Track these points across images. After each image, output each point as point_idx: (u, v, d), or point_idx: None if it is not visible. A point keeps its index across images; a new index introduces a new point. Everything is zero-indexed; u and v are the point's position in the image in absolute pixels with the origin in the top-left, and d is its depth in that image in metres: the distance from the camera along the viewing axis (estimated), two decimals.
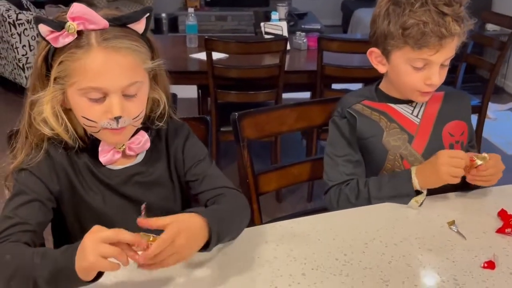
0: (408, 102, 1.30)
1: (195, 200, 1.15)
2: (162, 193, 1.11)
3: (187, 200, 1.17)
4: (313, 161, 1.47)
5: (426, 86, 1.22)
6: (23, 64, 4.00)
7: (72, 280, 0.79)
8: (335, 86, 2.91)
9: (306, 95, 3.37)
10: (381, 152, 1.27)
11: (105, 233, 0.78)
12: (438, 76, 1.20)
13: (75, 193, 1.03)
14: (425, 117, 1.29)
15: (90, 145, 1.03)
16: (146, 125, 1.06)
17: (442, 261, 0.97)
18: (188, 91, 2.80)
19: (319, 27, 4.08)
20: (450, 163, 1.13)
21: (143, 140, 1.05)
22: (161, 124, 1.07)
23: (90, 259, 0.76)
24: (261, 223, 1.38)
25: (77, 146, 1.00)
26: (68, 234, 1.08)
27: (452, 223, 1.08)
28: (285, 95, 2.65)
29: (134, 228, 0.83)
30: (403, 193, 1.18)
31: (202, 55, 2.63)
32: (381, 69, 1.29)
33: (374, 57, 1.29)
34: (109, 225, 0.82)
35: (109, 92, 0.93)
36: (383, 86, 1.34)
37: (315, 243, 1.04)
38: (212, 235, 0.89)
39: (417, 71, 1.21)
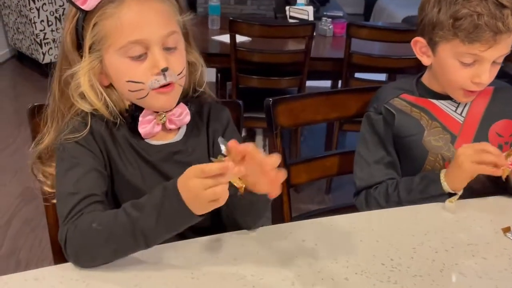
0: (452, 98, 1.20)
1: None
2: None
3: None
4: (346, 154, 1.38)
5: (473, 84, 1.11)
6: (40, 40, 3.92)
7: (184, 217, 0.79)
8: (358, 75, 2.81)
9: (326, 83, 3.27)
10: (421, 153, 1.17)
11: (204, 167, 0.76)
12: (488, 75, 1.10)
13: (115, 167, 0.98)
14: (470, 115, 1.19)
15: (130, 119, 0.97)
16: (186, 99, 1.01)
17: (500, 272, 0.88)
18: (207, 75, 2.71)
19: (341, 14, 3.94)
20: (473, 159, 1.03)
21: (184, 112, 1.00)
22: (201, 90, 1.03)
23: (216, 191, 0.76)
24: (291, 216, 1.30)
25: (118, 121, 0.96)
26: None
27: (507, 229, 0.98)
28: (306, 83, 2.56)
29: None
30: (434, 195, 1.10)
31: (225, 38, 2.54)
32: (426, 61, 1.19)
33: (418, 47, 1.18)
34: None
35: (150, 44, 0.89)
36: (425, 79, 1.24)
37: (357, 244, 0.95)
38: None
39: (465, 67, 1.10)
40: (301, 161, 1.34)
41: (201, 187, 0.75)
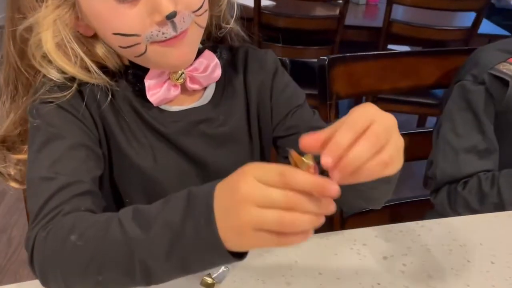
0: None
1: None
2: (237, 154, 0.74)
3: None
4: (417, 135, 1.08)
5: None
6: None
7: (213, 251, 0.46)
8: (391, 47, 2.49)
9: None
10: None
11: (288, 170, 0.43)
12: None
13: (115, 144, 0.68)
14: None
15: (132, 79, 0.67)
16: (213, 44, 0.72)
17: None
18: None
19: None
20: None
21: (212, 64, 0.69)
22: (228, 27, 0.71)
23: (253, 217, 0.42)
24: None
25: (111, 86, 0.66)
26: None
27: None
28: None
29: None
30: None
31: (247, 0, 2.21)
32: None
33: None
34: (159, 194, 0.56)
35: None
36: None
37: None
38: None
39: None
40: None
41: (265, 201, 0.42)
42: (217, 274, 0.62)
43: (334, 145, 0.44)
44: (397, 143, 0.47)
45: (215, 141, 0.72)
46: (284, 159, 0.78)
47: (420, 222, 0.74)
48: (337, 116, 0.96)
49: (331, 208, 0.43)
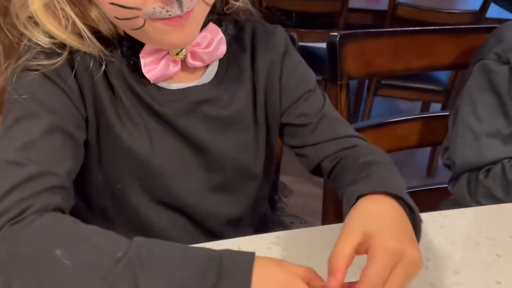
0: None
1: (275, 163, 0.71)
2: (241, 139, 0.67)
3: (270, 159, 0.72)
4: (429, 120, 1.01)
5: None
6: None
7: None
8: None
9: None
10: None
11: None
12: None
13: (106, 125, 0.61)
14: None
15: (130, 51, 0.60)
16: (218, 18, 0.65)
17: None
18: None
19: None
20: None
21: (216, 40, 0.62)
22: (237, 3, 0.65)
23: None
24: None
25: (103, 57, 0.59)
26: (84, 198, 0.67)
27: None
28: None
29: (196, 191, 0.64)
30: None
31: None
32: None
33: None
34: (156, 181, 0.59)
35: None
36: None
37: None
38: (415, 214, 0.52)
39: None
40: (366, 127, 0.97)
41: None
42: None
43: None
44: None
45: (218, 124, 0.65)
46: (291, 149, 0.72)
47: (443, 212, 0.68)
48: (348, 98, 0.89)
49: None
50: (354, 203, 0.51)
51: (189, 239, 0.62)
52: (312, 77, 0.71)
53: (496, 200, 0.80)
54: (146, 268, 0.43)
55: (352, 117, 2.44)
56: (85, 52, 0.58)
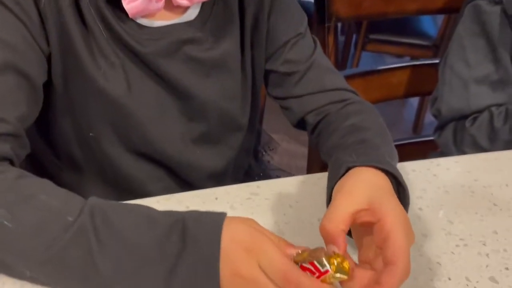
0: None
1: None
2: (227, 85, 0.61)
3: (256, 109, 0.67)
4: (419, 68, 0.96)
5: None
6: None
7: None
8: None
9: None
10: None
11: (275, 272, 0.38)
12: None
13: (76, 64, 0.54)
14: None
15: None
16: None
17: None
18: None
19: None
20: None
21: None
22: None
23: None
24: None
25: None
26: (50, 147, 0.62)
27: None
28: None
29: (177, 141, 0.59)
30: None
31: None
32: None
33: None
34: (133, 128, 0.55)
35: None
36: None
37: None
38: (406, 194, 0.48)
39: None
40: (356, 74, 0.91)
41: None
42: None
43: None
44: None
45: (202, 68, 0.59)
46: (275, 100, 0.66)
47: (435, 161, 0.64)
48: (336, 42, 0.83)
49: None
50: (344, 173, 0.46)
51: (167, 193, 0.56)
52: (303, 18, 0.65)
53: (480, 149, 0.76)
54: (101, 235, 0.38)
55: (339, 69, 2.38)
56: None
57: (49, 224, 0.39)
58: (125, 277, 0.38)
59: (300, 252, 0.39)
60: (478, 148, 0.78)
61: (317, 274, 0.38)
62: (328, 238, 0.41)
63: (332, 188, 0.46)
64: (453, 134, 0.81)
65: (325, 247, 0.40)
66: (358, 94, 0.64)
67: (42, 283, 0.40)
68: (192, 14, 0.58)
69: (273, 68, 0.64)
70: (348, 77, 0.90)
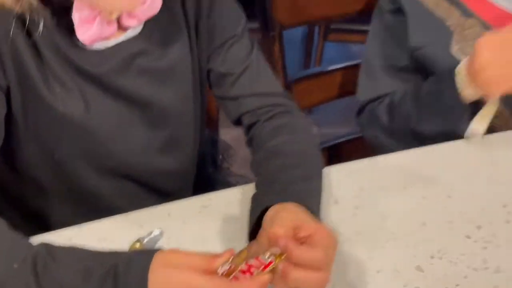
0: None
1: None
2: (182, 89, 0.66)
3: (204, 109, 0.72)
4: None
5: None
6: None
7: None
8: None
9: None
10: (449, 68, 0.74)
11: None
12: None
13: (35, 97, 0.58)
14: None
15: (58, 13, 0.56)
16: None
17: None
18: None
19: None
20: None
21: None
22: None
23: None
24: None
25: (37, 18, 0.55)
26: (15, 171, 0.65)
27: None
28: None
29: (141, 152, 0.64)
30: (449, 106, 0.73)
31: None
32: None
33: None
34: (95, 145, 0.59)
35: None
36: None
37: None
38: None
39: None
40: (308, 76, 0.96)
41: None
42: (148, 239, 0.55)
43: None
44: None
45: (156, 76, 0.63)
46: (220, 100, 0.70)
47: (372, 159, 0.69)
48: (283, 51, 0.87)
49: None
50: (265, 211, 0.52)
51: (135, 206, 0.61)
52: (239, 20, 0.67)
53: (384, 129, 0.81)
54: (42, 282, 0.43)
55: (305, 63, 2.38)
56: (9, 22, 0.54)
57: None
58: None
59: (233, 257, 0.44)
60: (382, 129, 0.82)
61: (262, 266, 0.44)
62: (274, 241, 0.45)
63: (254, 223, 0.52)
64: (368, 117, 0.85)
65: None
66: (291, 99, 0.68)
67: None
68: (137, 28, 0.61)
69: (213, 68, 0.67)
70: (301, 79, 0.95)
